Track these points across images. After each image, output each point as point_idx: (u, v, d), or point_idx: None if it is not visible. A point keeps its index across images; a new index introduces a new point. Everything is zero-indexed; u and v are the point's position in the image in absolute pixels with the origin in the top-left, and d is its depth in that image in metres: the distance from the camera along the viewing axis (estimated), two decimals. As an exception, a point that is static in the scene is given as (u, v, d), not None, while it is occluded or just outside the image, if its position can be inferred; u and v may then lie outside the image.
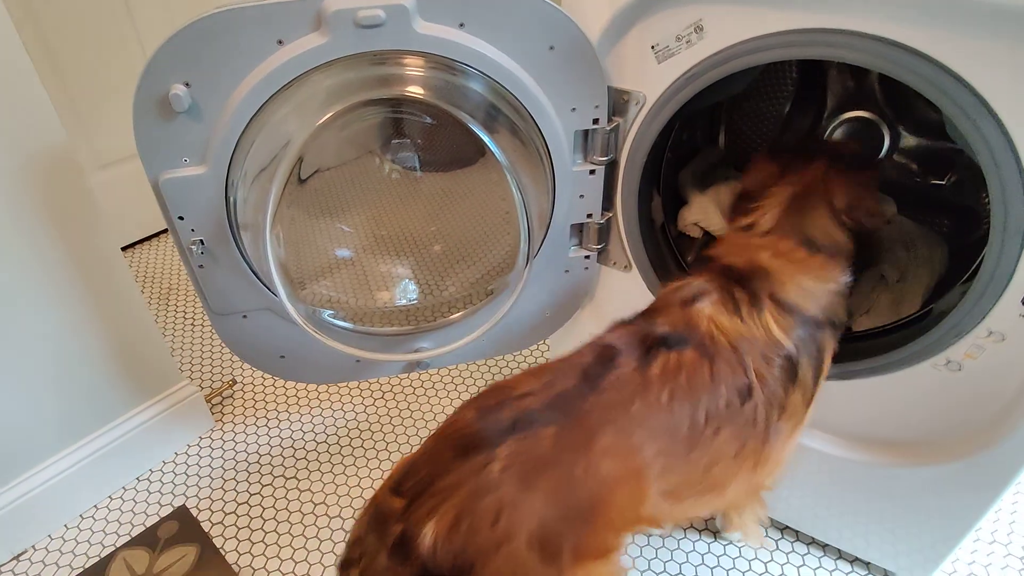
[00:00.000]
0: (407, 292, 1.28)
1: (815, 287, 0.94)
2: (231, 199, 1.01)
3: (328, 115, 0.91)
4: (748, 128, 1.61)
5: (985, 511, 1.08)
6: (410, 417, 1.67)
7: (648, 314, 0.92)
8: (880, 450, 1.12)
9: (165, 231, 2.51)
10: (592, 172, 1.13)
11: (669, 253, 1.30)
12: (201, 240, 1.02)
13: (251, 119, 0.93)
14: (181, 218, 1.00)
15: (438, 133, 1.51)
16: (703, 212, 1.45)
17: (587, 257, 1.25)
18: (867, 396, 1.08)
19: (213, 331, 1.99)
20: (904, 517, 1.16)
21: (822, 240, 0.98)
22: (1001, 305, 0.91)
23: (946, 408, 1.03)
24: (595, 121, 1.08)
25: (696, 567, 1.31)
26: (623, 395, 0.78)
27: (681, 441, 0.80)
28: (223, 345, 1.78)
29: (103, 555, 1.32)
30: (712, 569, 1.31)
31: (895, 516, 1.17)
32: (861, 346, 1.12)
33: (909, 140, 1.39)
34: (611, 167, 1.16)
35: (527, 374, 0.82)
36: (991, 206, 0.88)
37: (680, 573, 1.30)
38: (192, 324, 2.04)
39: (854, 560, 1.32)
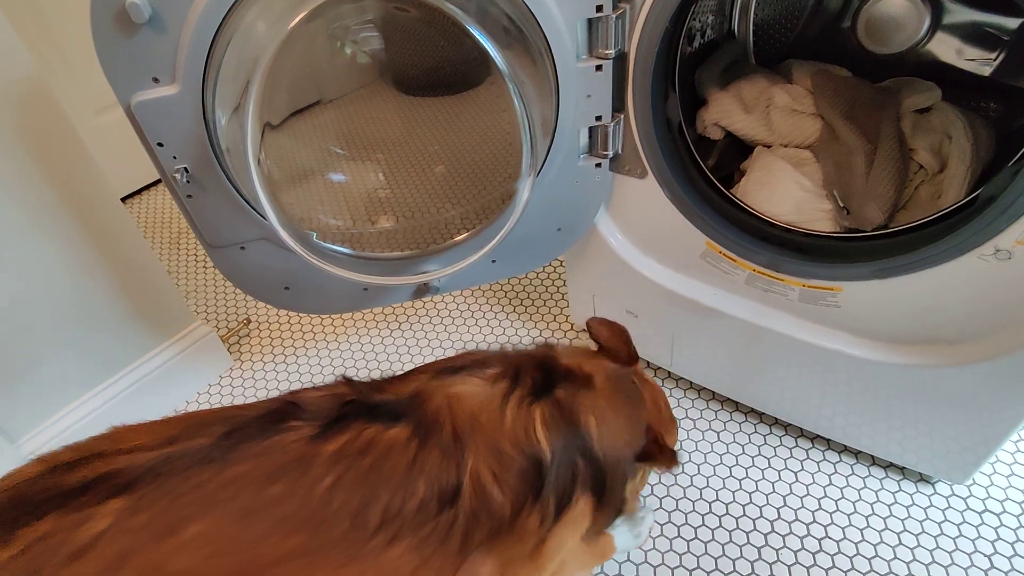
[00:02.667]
0: (405, 215, 1.22)
1: (624, 433, 0.82)
2: (210, 121, 0.94)
3: (301, 15, 0.82)
4: (770, 18, 1.47)
5: (1031, 409, 1.02)
6: (428, 346, 1.65)
7: (398, 378, 0.76)
8: (919, 351, 1.05)
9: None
10: (599, 68, 1.03)
11: (688, 157, 1.20)
12: (185, 168, 0.96)
13: (218, 27, 0.85)
14: (160, 144, 0.94)
15: (438, 52, 1.41)
16: (724, 111, 1.34)
17: (598, 165, 1.16)
18: (906, 294, 1.01)
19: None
20: (942, 419, 1.11)
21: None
22: (1060, 183, 0.82)
23: (992, 301, 0.95)
24: (599, 8, 0.97)
25: (724, 479, 1.29)
26: (263, 469, 0.58)
27: (332, 544, 0.58)
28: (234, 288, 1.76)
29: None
30: (740, 481, 1.28)
31: (932, 419, 1.12)
32: (899, 240, 1.03)
33: (953, 14, 1.25)
34: (620, 62, 1.05)
35: (161, 422, 0.62)
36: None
37: (707, 486, 1.28)
38: (205, 267, 2.02)
39: (888, 466, 1.28)
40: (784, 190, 1.21)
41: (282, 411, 0.64)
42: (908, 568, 1.13)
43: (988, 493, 1.22)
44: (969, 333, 1.00)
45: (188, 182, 0.98)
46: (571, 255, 1.40)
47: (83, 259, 1.30)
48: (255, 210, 1.06)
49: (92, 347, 1.39)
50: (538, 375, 0.78)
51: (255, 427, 0.62)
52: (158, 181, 2.48)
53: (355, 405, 0.67)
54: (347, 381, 0.74)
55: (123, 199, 2.41)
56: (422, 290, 1.18)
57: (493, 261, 1.21)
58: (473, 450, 0.67)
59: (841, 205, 1.18)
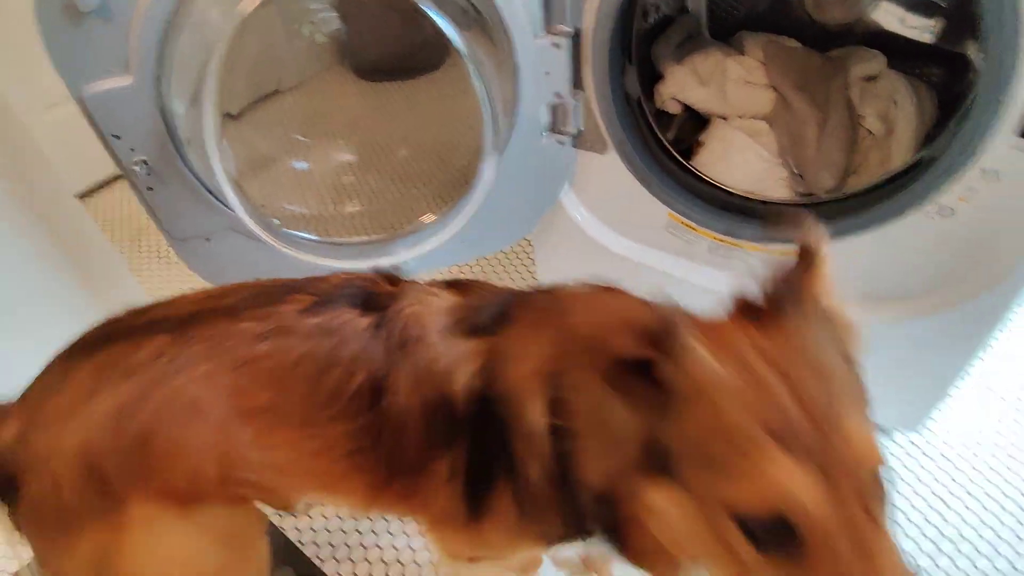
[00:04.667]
0: (371, 200, 1.22)
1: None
2: (167, 111, 0.93)
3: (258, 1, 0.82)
4: (725, -10, 1.49)
5: (972, 359, 1.09)
6: (401, 331, 1.66)
7: (417, 283, 0.77)
8: (871, 309, 1.11)
9: (126, 172, 2.40)
10: (556, 45, 1.04)
11: (648, 131, 1.23)
12: (144, 160, 0.95)
13: (171, 14, 0.84)
14: (117, 137, 0.93)
15: (397, 35, 1.40)
16: (680, 85, 1.37)
17: (561, 143, 1.18)
18: (858, 254, 1.06)
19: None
20: (895, 372, 1.17)
21: None
22: (995, 142, 0.86)
23: (938, 257, 1.00)
24: (553, -15, 0.98)
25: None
26: (260, 329, 0.67)
27: (292, 405, 0.68)
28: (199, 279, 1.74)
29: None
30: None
31: (886, 372, 1.17)
32: (851, 203, 1.08)
33: (896, -18, 1.29)
34: (577, 39, 1.07)
35: (213, 288, 0.75)
36: (983, 36, 0.81)
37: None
38: (168, 263, 1.98)
39: (848, 420, 1.34)
40: (741, 160, 1.25)
41: (298, 286, 0.72)
42: (869, 514, 1.19)
43: (940, 440, 1.30)
44: (919, 289, 1.05)
45: (148, 175, 0.97)
46: (538, 233, 1.42)
47: (40, 257, 1.26)
48: (219, 201, 1.05)
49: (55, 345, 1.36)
50: (494, 312, 0.69)
51: (272, 294, 0.71)
52: (118, 177, 2.41)
53: (353, 289, 0.72)
54: (377, 272, 0.77)
55: (81, 196, 2.34)
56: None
57: (461, 241, 1.22)
58: (406, 361, 0.66)
59: (795, 172, 1.23)
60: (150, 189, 0.99)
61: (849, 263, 1.07)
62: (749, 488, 0.44)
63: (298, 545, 1.23)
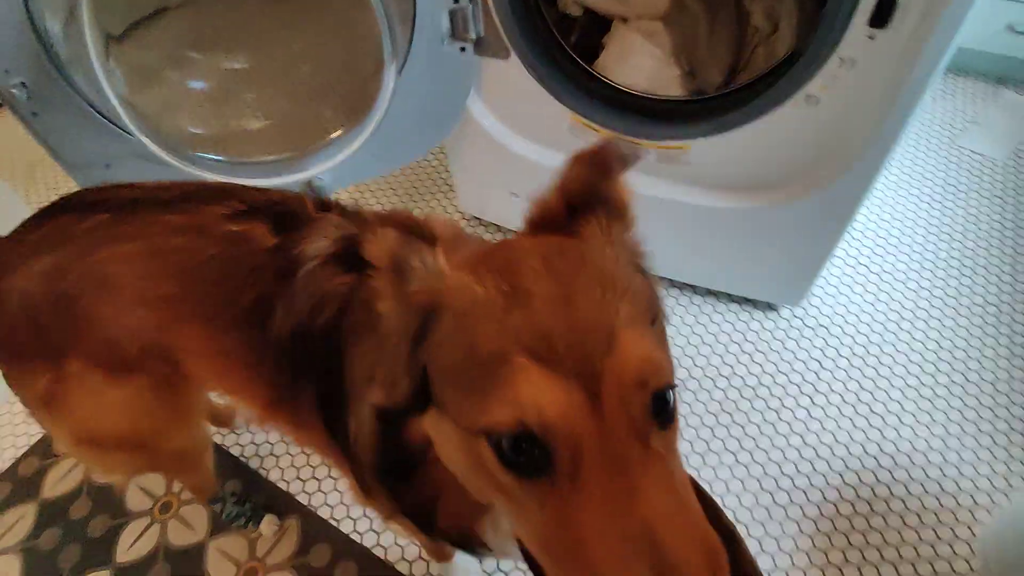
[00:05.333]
0: (276, 117, 1.20)
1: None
2: (42, 30, 0.89)
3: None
4: None
5: (840, 235, 1.22)
6: (325, 252, 1.67)
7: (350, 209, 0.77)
8: (752, 195, 1.21)
9: (6, 105, 2.21)
10: (449, -52, 1.04)
11: (548, 34, 1.25)
12: (22, 83, 0.91)
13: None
14: (-12, 59, 0.88)
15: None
16: (580, -13, 1.38)
17: (463, 50, 1.19)
18: (741, 145, 1.14)
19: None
20: (777, 252, 1.30)
21: None
22: (850, 31, 0.94)
23: (807, 144, 1.10)
24: None
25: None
26: (180, 223, 0.71)
27: (194, 303, 0.72)
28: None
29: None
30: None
31: (769, 253, 1.31)
32: (736, 98, 1.16)
33: None
34: (470, -60, 1.06)
35: (171, 182, 0.80)
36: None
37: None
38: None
39: (742, 300, 1.49)
40: (638, 61, 1.30)
41: (235, 192, 0.76)
42: (759, 380, 1.36)
43: (820, 311, 1.47)
44: (794, 174, 1.16)
45: (29, 99, 0.93)
46: (451, 143, 1.44)
47: None
48: (116, 125, 1.02)
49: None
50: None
51: (206, 195, 0.75)
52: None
53: (281, 207, 0.73)
54: (310, 189, 0.79)
55: (-46, 136, 2.15)
56: (307, 190, 1.19)
57: (373, 154, 1.24)
58: (287, 289, 0.68)
59: (688, 71, 1.29)
60: (35, 115, 0.95)
61: (734, 155, 1.17)
62: (497, 405, 0.40)
63: (242, 459, 1.30)
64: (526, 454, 0.40)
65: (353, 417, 0.60)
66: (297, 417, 0.74)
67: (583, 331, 0.40)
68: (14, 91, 0.90)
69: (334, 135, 1.19)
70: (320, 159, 1.16)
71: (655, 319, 0.46)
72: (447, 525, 0.58)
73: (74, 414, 0.79)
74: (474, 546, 0.61)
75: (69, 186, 1.90)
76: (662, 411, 0.41)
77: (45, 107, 0.95)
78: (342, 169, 1.17)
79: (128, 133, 1.01)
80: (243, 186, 0.79)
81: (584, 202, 0.50)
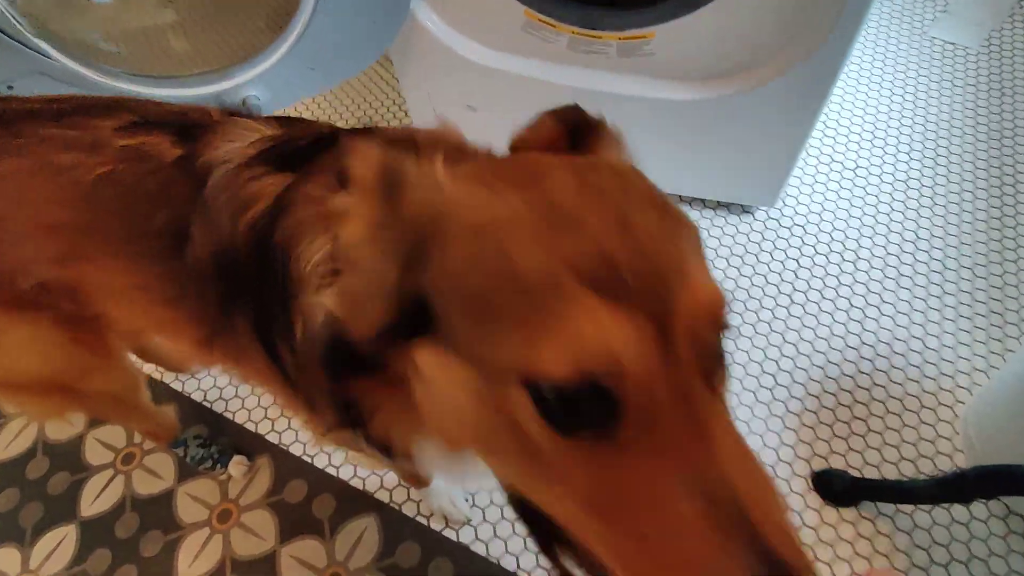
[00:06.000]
0: (193, 31, 1.09)
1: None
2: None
3: None
4: None
5: (812, 123, 1.17)
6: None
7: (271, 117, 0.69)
8: (721, 83, 1.14)
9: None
10: None
11: (492, -76, 1.15)
12: None
13: None
14: None
15: None
16: None
17: (400, -58, 1.09)
18: (706, 26, 1.07)
19: None
20: (748, 149, 1.24)
21: None
22: None
23: (775, 19, 1.03)
24: None
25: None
26: (69, 138, 0.63)
27: (94, 230, 0.63)
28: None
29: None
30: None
31: (740, 151, 1.26)
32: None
33: None
34: None
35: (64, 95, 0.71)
36: None
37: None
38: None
39: (716, 205, 1.44)
40: (593, -53, 1.20)
41: (129, 105, 0.66)
42: (736, 283, 1.32)
43: (795, 211, 1.42)
44: (761, 56, 1.09)
45: (-93, 9, 0.82)
46: (396, 53, 1.34)
47: None
48: (17, 41, 0.91)
49: None
50: (301, 148, 0.61)
51: (98, 107, 0.65)
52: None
53: (180, 118, 0.65)
54: (245, 109, 0.70)
55: None
56: (243, 108, 1.10)
57: (312, 69, 1.14)
58: (203, 201, 0.59)
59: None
60: (-84, 28, 0.84)
61: (699, 40, 1.09)
62: (549, 347, 0.32)
63: (205, 404, 1.24)
64: (584, 408, 0.32)
65: (299, 321, 0.51)
66: (234, 349, 0.65)
67: (652, 258, 0.33)
68: None
69: (267, 47, 1.09)
70: (244, 68, 1.07)
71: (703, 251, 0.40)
72: (374, 436, 0.51)
73: None
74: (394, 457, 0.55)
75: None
76: (721, 356, 0.36)
77: (-73, 19, 0.84)
78: (276, 84, 1.08)
79: (32, 49, 0.91)
80: (136, 99, 0.69)
81: (585, 125, 0.45)
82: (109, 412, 1.02)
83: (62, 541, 1.10)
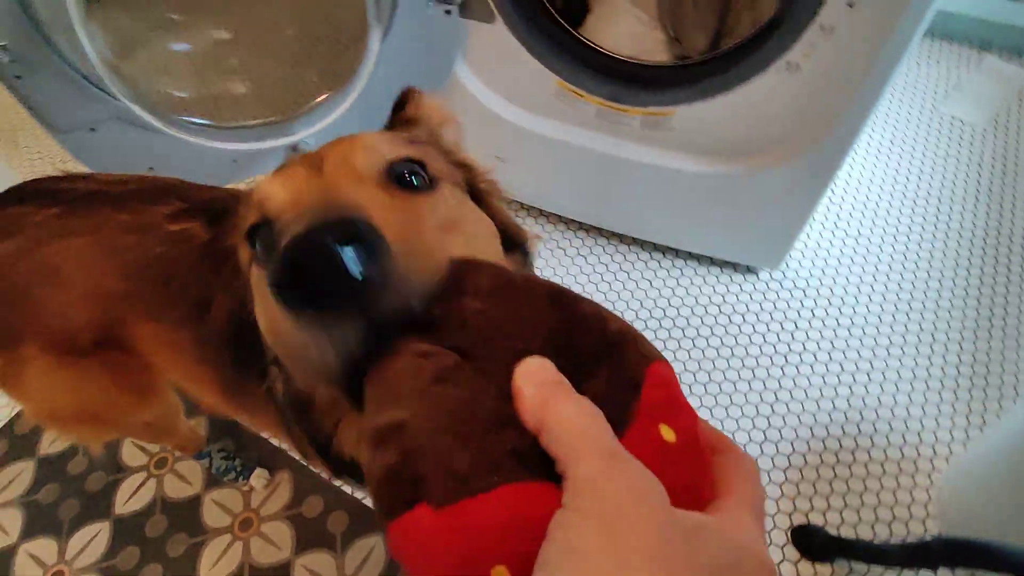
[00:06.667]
0: (263, 81, 1.20)
1: None
2: (21, -10, 0.88)
3: None
4: None
5: (818, 200, 1.26)
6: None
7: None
8: (736, 161, 1.24)
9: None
10: (433, -93, 1.03)
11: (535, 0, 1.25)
12: (3, 46, 0.90)
13: None
14: (-32, 21, 0.87)
15: None
16: (566, -53, 1.37)
17: (448, 12, 1.19)
18: (724, 111, 1.16)
19: (80, 166, 1.83)
20: (756, 216, 1.33)
21: None
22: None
23: (787, 111, 1.13)
24: None
25: (591, 295, 1.49)
26: (131, 223, 0.75)
27: (145, 299, 0.76)
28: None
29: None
30: (605, 294, 1.49)
31: (749, 217, 1.34)
32: (719, 64, 1.17)
33: None
34: (454, -101, 1.05)
35: (122, 175, 0.84)
36: None
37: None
38: (52, 163, 1.87)
39: (722, 264, 1.53)
40: (624, 25, 1.30)
41: (179, 191, 0.78)
42: (736, 340, 1.41)
43: (797, 274, 1.51)
44: (774, 140, 1.19)
45: (12, 61, 0.92)
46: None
47: None
48: (100, 89, 1.02)
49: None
50: None
51: (155, 193, 0.78)
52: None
53: (217, 204, 0.76)
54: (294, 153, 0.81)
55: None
56: (291, 154, 1.20)
57: (360, 117, 1.24)
58: (222, 280, 0.69)
59: (673, 35, 1.29)
60: (18, 78, 0.95)
61: (718, 121, 1.19)
62: (246, 211, 0.45)
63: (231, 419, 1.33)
64: (266, 243, 0.42)
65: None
66: (249, 403, 0.78)
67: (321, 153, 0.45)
68: (-3, 54, 0.90)
69: (319, 99, 1.19)
70: (305, 123, 1.17)
71: (417, 143, 0.50)
72: (347, 453, 0.58)
73: (29, 393, 0.84)
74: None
75: (51, 151, 1.89)
76: (404, 181, 0.43)
77: (28, 70, 0.95)
78: (327, 133, 1.18)
79: (112, 96, 1.01)
80: (187, 184, 0.81)
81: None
82: (144, 436, 1.13)
83: (96, 536, 1.20)
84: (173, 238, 0.74)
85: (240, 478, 1.24)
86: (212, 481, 1.25)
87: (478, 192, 0.54)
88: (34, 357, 0.78)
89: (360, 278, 0.31)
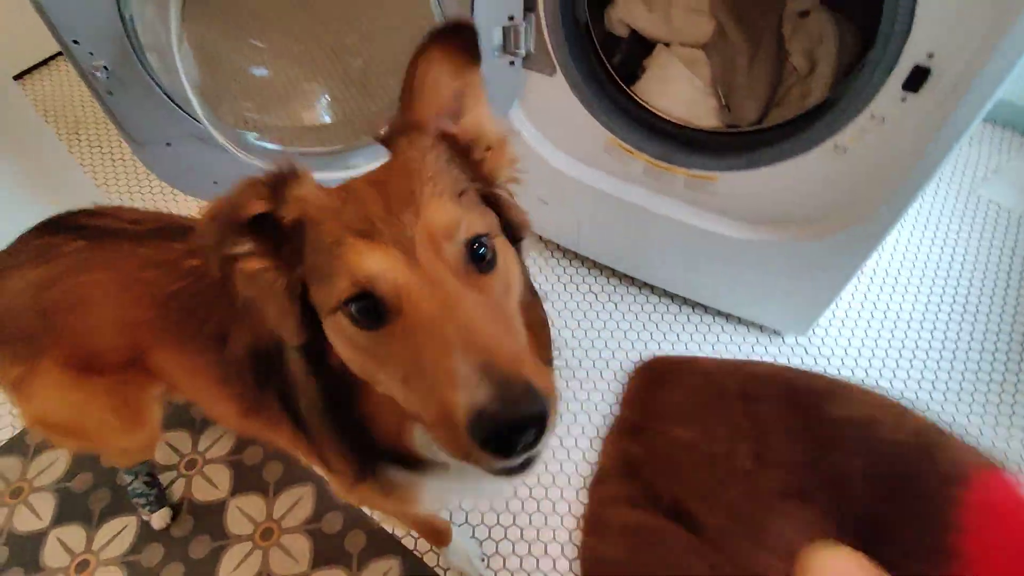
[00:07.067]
0: (330, 109, 1.26)
1: None
2: (127, 16, 0.95)
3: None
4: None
5: (854, 275, 1.28)
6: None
7: None
8: (777, 230, 1.27)
9: (61, 54, 2.27)
10: (511, -31, 1.09)
11: (594, 55, 1.30)
12: (104, 65, 0.97)
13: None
14: (76, 42, 0.94)
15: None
16: (628, 9, 1.42)
17: (511, 63, 1.24)
18: (769, 183, 1.20)
19: (136, 165, 1.91)
20: (790, 283, 1.36)
21: None
22: (885, 90, 0.99)
23: (831, 189, 1.16)
24: (510, -92, 1.01)
25: (619, 342, 1.52)
26: (151, 258, 0.84)
27: (168, 327, 0.83)
28: (150, 178, 1.74)
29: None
30: (633, 343, 1.52)
31: (782, 284, 1.37)
32: (767, 136, 1.21)
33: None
34: (531, -38, 1.11)
35: (142, 211, 0.94)
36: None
37: (606, 348, 1.51)
38: (112, 159, 1.95)
39: (749, 324, 1.55)
40: (678, 89, 1.35)
41: (193, 227, 0.85)
42: (757, 401, 1.43)
43: (823, 342, 1.53)
44: (814, 215, 1.22)
45: (108, 79, 0.99)
46: (488, 147, 1.50)
47: None
48: (180, 108, 1.08)
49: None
50: None
51: (174, 231, 0.86)
52: (43, 62, 2.28)
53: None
54: None
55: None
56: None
57: (416, 155, 1.30)
58: (237, 311, 0.76)
59: (724, 103, 1.34)
60: (111, 94, 1.01)
61: (761, 191, 1.23)
62: (341, 278, 0.50)
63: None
64: (366, 310, 0.50)
65: (289, 370, 0.69)
66: (268, 421, 0.84)
67: (396, 210, 0.51)
68: (96, 72, 0.96)
69: (382, 131, 1.25)
70: (364, 156, 1.22)
71: (463, 193, 0.56)
72: (385, 445, 0.66)
73: (34, 402, 0.92)
74: (413, 461, 0.68)
75: (110, 145, 1.97)
76: (480, 258, 0.53)
77: (120, 87, 1.01)
78: (386, 166, 1.23)
79: (193, 118, 1.07)
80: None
81: (397, 134, 0.60)
82: (113, 456, 1.18)
83: (123, 529, 1.24)
84: (192, 274, 0.82)
85: (147, 507, 1.24)
86: (239, 487, 1.29)
87: (495, 196, 0.61)
88: (47, 371, 0.87)
89: (537, 439, 0.44)
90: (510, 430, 0.43)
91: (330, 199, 0.54)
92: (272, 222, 0.54)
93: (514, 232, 0.62)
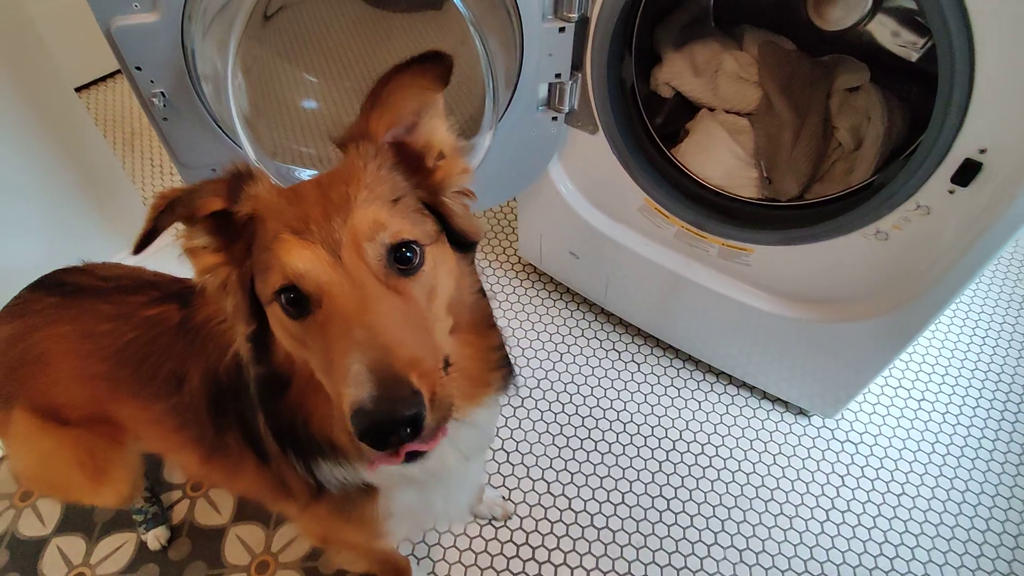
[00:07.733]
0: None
1: None
2: (188, 48, 0.98)
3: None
4: (733, -20, 1.53)
5: (890, 362, 1.24)
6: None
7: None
8: (810, 308, 1.24)
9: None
10: (562, 30, 1.10)
11: (636, 116, 1.31)
12: (163, 92, 1.01)
13: (201, -41, 0.88)
14: (139, 68, 0.98)
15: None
16: (675, 73, 1.43)
17: (554, 119, 1.26)
18: (805, 261, 1.18)
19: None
20: (823, 364, 1.32)
21: None
22: (933, 181, 0.97)
23: (869, 274, 1.13)
24: (567, -27, 1.03)
25: (639, 404, 1.49)
26: (110, 311, 0.88)
27: (123, 379, 0.86)
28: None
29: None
30: (653, 407, 1.49)
31: (815, 363, 1.33)
32: (807, 212, 1.19)
33: (892, -1, 1.35)
34: (582, 25, 1.12)
35: (112, 265, 1.00)
36: (939, 78, 0.90)
37: (624, 409, 1.48)
38: (161, 171, 2.02)
39: (775, 400, 1.51)
40: (719, 156, 1.34)
41: (158, 282, 0.92)
42: (777, 483, 1.37)
43: (851, 427, 1.47)
44: (851, 297, 1.19)
45: (165, 106, 1.02)
46: (523, 197, 1.51)
47: (35, 148, 1.31)
48: (228, 136, 1.11)
49: (52, 252, 1.43)
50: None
51: (135, 286, 0.91)
52: (113, 73, 2.39)
53: (189, 287, 0.86)
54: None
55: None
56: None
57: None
58: (196, 351, 0.80)
59: (765, 175, 1.32)
60: (165, 120, 1.05)
61: (797, 268, 1.20)
62: (275, 271, 0.54)
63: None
64: (295, 301, 0.55)
65: (250, 392, 0.69)
66: (229, 463, 0.84)
67: (331, 212, 0.55)
68: (155, 100, 1.00)
69: (338, 136, 1.26)
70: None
71: (399, 199, 0.60)
72: (322, 438, 0.67)
73: (13, 448, 0.96)
74: (349, 457, 0.68)
75: (164, 158, 2.04)
76: (405, 261, 0.56)
77: (174, 113, 1.05)
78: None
79: (241, 148, 1.10)
80: (167, 277, 0.94)
81: (350, 141, 0.63)
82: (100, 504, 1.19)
83: (122, 546, 1.24)
84: (148, 322, 0.86)
85: (142, 526, 1.23)
86: (240, 515, 1.28)
87: (442, 204, 0.64)
88: (19, 419, 0.91)
89: (412, 438, 0.50)
90: (383, 427, 0.47)
91: (279, 199, 0.58)
92: (228, 219, 0.59)
93: (465, 239, 0.65)
